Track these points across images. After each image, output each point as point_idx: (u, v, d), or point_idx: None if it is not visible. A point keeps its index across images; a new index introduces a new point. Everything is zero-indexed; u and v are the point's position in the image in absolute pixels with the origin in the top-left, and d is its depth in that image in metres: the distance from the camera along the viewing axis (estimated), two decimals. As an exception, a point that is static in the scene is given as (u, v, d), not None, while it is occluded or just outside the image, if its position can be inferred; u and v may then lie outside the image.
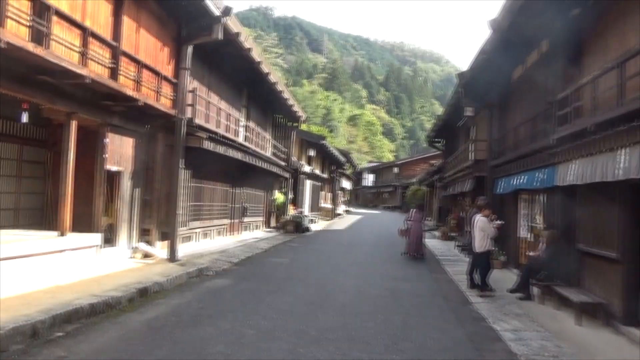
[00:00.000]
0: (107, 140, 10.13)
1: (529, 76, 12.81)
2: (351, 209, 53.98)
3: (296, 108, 22.31)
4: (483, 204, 10.72)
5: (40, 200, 11.66)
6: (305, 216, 25.00)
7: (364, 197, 77.60)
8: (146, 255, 11.46)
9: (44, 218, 11.55)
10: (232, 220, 17.96)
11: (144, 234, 11.97)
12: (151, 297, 8.48)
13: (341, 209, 45.31)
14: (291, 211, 24.95)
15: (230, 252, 14.53)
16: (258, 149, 18.11)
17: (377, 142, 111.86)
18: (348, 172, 52.95)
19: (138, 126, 11.50)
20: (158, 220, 12.05)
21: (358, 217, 41.72)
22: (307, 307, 8.44)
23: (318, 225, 29.45)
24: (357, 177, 69.94)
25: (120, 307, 7.58)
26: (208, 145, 12.47)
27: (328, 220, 35.23)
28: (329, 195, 43.98)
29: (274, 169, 20.63)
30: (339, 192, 43.66)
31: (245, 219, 19.54)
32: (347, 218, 39.72)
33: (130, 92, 9.59)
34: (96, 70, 8.70)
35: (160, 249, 12.05)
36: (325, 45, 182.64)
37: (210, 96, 14.38)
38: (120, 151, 10.89)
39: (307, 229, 23.96)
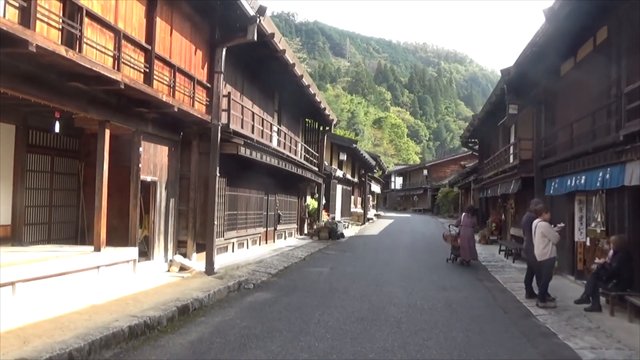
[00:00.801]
0: (141, 149, 9.66)
1: (583, 69, 12.01)
2: (381, 213, 53.22)
3: (328, 111, 21.73)
4: (542, 208, 9.94)
5: (74, 213, 11.26)
6: (339, 222, 24.36)
7: (392, 200, 76.72)
8: (182, 269, 10.96)
9: (77, 232, 11.15)
10: (267, 229, 17.43)
11: (180, 246, 11.49)
12: (192, 315, 7.94)
13: (371, 213, 44.57)
14: (324, 217, 24.34)
15: (267, 262, 13.98)
16: (291, 155, 17.56)
17: (402, 144, 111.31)
18: (377, 175, 52.22)
19: (172, 134, 11.03)
20: (194, 231, 11.56)
21: (389, 221, 40.95)
22: (360, 324, 7.80)
23: (350, 230, 28.79)
24: (385, 181, 69.03)
25: (161, 328, 7.05)
26: (244, 151, 11.94)
27: (359, 225, 34.55)
28: (359, 199, 43.31)
29: (308, 175, 20.05)
30: (369, 196, 42.92)
31: (279, 227, 19.00)
32: (379, 222, 38.98)
33: (164, 98, 9.10)
34: (130, 75, 8.22)
35: (196, 261, 11.55)
36: (347, 49, 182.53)
37: (244, 100, 13.88)
38: (154, 160, 10.42)
39: (342, 235, 23.32)
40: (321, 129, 24.40)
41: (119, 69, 7.77)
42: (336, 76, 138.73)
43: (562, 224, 10.33)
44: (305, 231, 23.67)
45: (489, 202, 26.99)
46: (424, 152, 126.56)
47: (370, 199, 45.25)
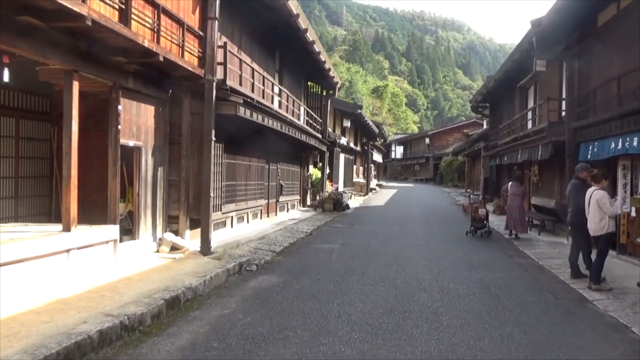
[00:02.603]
0: (120, 107, 8.05)
1: (629, 16, 10.40)
2: (383, 183, 51.72)
3: (332, 73, 20.02)
4: (600, 174, 8.40)
5: (46, 186, 9.71)
6: (344, 193, 22.84)
7: (393, 170, 75.20)
8: (174, 248, 9.48)
9: (50, 208, 9.62)
10: (268, 201, 15.91)
11: (171, 222, 9.98)
12: (183, 308, 6.47)
13: (374, 183, 43.05)
14: (328, 188, 22.82)
15: (270, 238, 12.50)
16: (295, 119, 15.93)
17: (401, 113, 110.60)
18: (378, 144, 50.57)
19: (159, 91, 9.42)
20: (187, 204, 10.03)
21: (393, 191, 39.45)
22: (390, 317, 6.33)
23: (354, 201, 27.27)
24: (385, 150, 67.36)
25: (143, 328, 5.57)
26: (243, 112, 10.34)
27: (362, 195, 33.07)
28: (361, 169, 41.75)
29: (312, 142, 18.44)
30: (372, 165, 41.35)
31: (282, 199, 17.48)
32: (382, 193, 37.48)
33: (146, 43, 7.45)
34: (100, 10, 6.55)
35: (190, 239, 10.06)
36: (344, 17, 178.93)
37: (242, 55, 12.18)
38: (137, 122, 8.83)
39: (347, 207, 21.83)
40: (324, 93, 22.71)
41: (84, 1, 6.11)
42: (333, 45, 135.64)
43: (625, 194, 8.80)
44: (309, 203, 22.18)
45: (501, 170, 25.49)
46: (422, 121, 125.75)
47: (372, 168, 43.67)
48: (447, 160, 50.52)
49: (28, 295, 5.91)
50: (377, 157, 49.01)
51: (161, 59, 7.84)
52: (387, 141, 61.98)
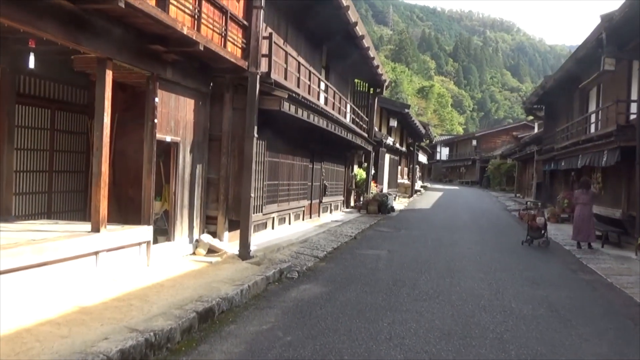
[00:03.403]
0: (157, 99, 7.50)
1: None
2: (428, 185, 50.50)
3: (381, 70, 19.24)
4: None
5: (82, 181, 9.27)
6: (389, 194, 22.01)
7: (438, 171, 73.64)
8: (211, 251, 8.91)
9: (86, 204, 9.17)
10: (311, 201, 15.26)
11: (209, 223, 9.42)
12: (218, 322, 5.85)
13: (418, 184, 41.94)
14: (373, 189, 22.03)
15: (312, 241, 11.84)
16: (341, 117, 15.22)
17: (446, 114, 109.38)
18: (424, 145, 49.35)
19: (199, 83, 8.87)
20: (225, 205, 9.44)
21: (438, 193, 38.30)
22: (449, 343, 5.54)
23: (398, 203, 26.39)
24: (431, 151, 65.93)
25: (172, 345, 4.96)
26: (288, 107, 9.69)
27: (407, 197, 32.13)
28: (406, 170, 40.73)
29: (357, 141, 17.69)
30: (417, 166, 40.27)
31: (325, 199, 16.81)
32: (428, 195, 36.41)
33: (185, 31, 6.87)
34: (135, -7, 5.99)
35: (228, 242, 9.49)
36: (390, 17, 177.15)
37: (287, 48, 11.54)
38: (175, 116, 8.28)
39: (392, 209, 21.02)
40: (371, 91, 21.92)
41: (117, -19, 5.55)
42: (379, 44, 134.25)
43: None
44: (352, 204, 21.46)
45: (555, 176, 24.20)
46: (467, 122, 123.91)
47: (417, 169, 42.58)
48: (495, 163, 48.95)
49: (49, 303, 5.38)
50: (422, 158, 47.85)
51: (201, 48, 7.25)
52: (433, 142, 60.56)
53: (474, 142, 59.47)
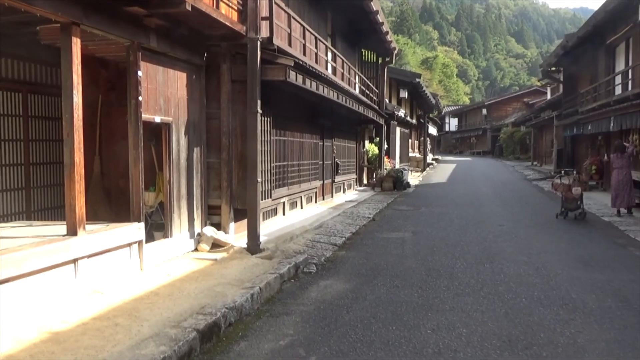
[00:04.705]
0: (140, 73, 6.33)
1: None
2: (439, 157, 49.14)
3: (390, 36, 17.91)
4: None
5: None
6: (404, 170, 20.81)
7: (447, 143, 72.15)
8: (216, 245, 7.81)
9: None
10: (323, 182, 14.11)
11: (211, 214, 8.29)
12: (224, 338, 4.76)
13: (430, 157, 40.63)
14: (387, 165, 20.82)
15: (328, 226, 10.74)
16: (351, 88, 13.97)
17: (452, 85, 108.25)
18: (433, 116, 47.90)
19: (191, 54, 7.67)
20: (229, 192, 8.29)
21: (452, 165, 36.99)
22: (514, 353, 4.42)
23: (412, 178, 25.14)
24: (440, 122, 64.47)
25: (165, 381, 3.87)
26: (294, 77, 8.49)
27: (420, 171, 30.90)
28: (416, 142, 39.42)
29: (369, 114, 16.46)
30: (427, 139, 38.90)
31: (337, 179, 15.65)
32: (441, 168, 35.14)
33: (168, -14, 5.69)
34: None
35: (234, 233, 8.37)
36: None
37: (290, 11, 10.26)
38: (165, 92, 7.11)
39: (408, 185, 19.83)
40: (380, 61, 20.61)
41: None
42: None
43: None
44: (365, 181, 20.30)
45: (578, 141, 22.90)
46: (473, 92, 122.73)
47: (429, 142, 41.23)
48: (507, 131, 47.52)
49: (10, 331, 4.29)
50: (432, 130, 46.44)
51: (189, 8, 6.03)
52: (442, 113, 59.00)
53: (484, 111, 57.85)
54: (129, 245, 6.12)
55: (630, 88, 14.30)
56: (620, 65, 16.77)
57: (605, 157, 18.09)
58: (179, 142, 7.41)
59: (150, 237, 7.32)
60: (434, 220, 12.01)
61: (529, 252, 8.65)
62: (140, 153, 6.32)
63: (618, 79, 15.66)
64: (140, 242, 6.28)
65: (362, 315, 5.47)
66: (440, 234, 10.35)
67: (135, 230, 6.19)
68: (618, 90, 15.32)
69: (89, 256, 5.41)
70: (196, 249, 7.67)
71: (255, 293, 5.72)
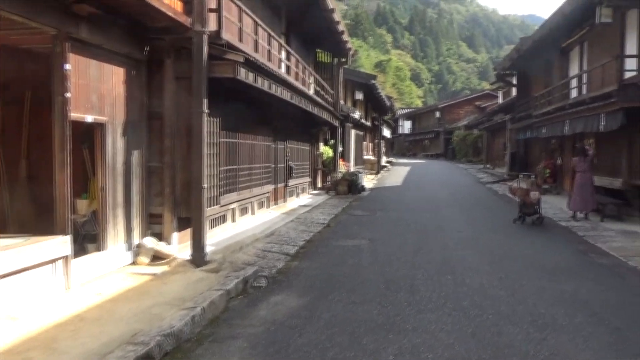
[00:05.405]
0: (67, 66, 5.61)
1: None
2: (393, 160, 49.10)
3: (346, 36, 17.45)
4: None
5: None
6: (359, 173, 20.40)
7: (400, 145, 72.43)
8: (157, 258, 7.12)
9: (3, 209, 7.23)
10: (276, 186, 13.51)
11: (153, 223, 7.59)
12: (158, 374, 4.13)
13: (384, 160, 40.49)
14: (342, 168, 20.38)
15: (281, 233, 10.17)
16: (305, 89, 13.42)
17: (405, 88, 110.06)
18: (387, 118, 47.85)
19: (130, 47, 6.97)
20: (172, 199, 7.62)
21: (406, 168, 36.82)
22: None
23: (366, 181, 24.77)
24: (393, 125, 64.65)
25: None
26: (245, 75, 7.88)
27: (374, 174, 30.56)
28: (371, 145, 39.22)
29: (324, 115, 15.96)
30: (382, 141, 38.73)
31: (291, 182, 15.07)
32: (395, 170, 34.94)
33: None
34: None
35: (178, 244, 7.71)
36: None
37: (241, 4, 9.63)
38: (99, 89, 6.39)
39: (363, 189, 19.42)
40: (335, 61, 20.14)
41: None
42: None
43: None
44: (320, 185, 19.78)
45: (531, 145, 23.03)
46: (426, 95, 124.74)
47: (383, 144, 41.09)
48: (460, 134, 47.90)
49: None
50: (387, 132, 46.42)
51: (124, -7, 5.37)
52: (396, 116, 59.09)
53: (437, 114, 58.25)
54: (53, 261, 5.40)
55: (585, 92, 14.25)
56: (574, 69, 16.80)
57: (559, 161, 18.19)
58: (115, 144, 6.70)
59: (82, 250, 6.61)
60: (391, 226, 11.58)
61: (491, 260, 8.30)
62: (67, 156, 5.61)
63: (573, 83, 15.62)
64: (66, 258, 5.55)
65: (316, 338, 4.92)
66: (398, 241, 9.91)
67: (60, 244, 5.47)
68: (574, 93, 15.30)
69: (3, 276, 4.67)
70: (134, 263, 6.96)
71: (197, 314, 5.10)
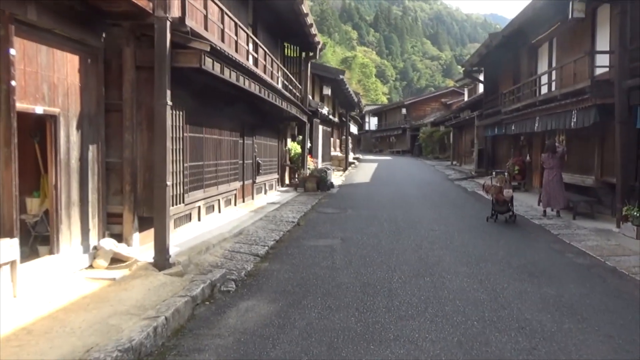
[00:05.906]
0: (12, 51, 5.04)
1: None
2: (360, 156, 48.90)
3: (314, 30, 17.00)
4: None
5: None
6: (328, 169, 20.03)
7: (367, 142, 72.38)
8: (117, 260, 6.58)
9: None
10: (244, 182, 13.01)
11: (112, 223, 7.04)
12: (114, 397, 3.66)
13: (351, 156, 40.21)
14: (310, 164, 19.97)
15: (249, 233, 9.71)
16: (274, 82, 12.95)
17: (371, 84, 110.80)
18: (354, 115, 47.61)
19: (85, 33, 6.40)
20: (133, 197, 7.08)
21: (373, 165, 36.61)
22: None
23: (334, 177, 24.44)
24: (360, 121, 64.49)
25: None
26: (211, 65, 7.37)
27: (341, 170, 30.27)
28: (338, 141, 38.97)
29: (292, 110, 15.50)
30: (349, 137, 38.44)
31: (258, 179, 14.59)
32: (363, 167, 34.68)
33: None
34: None
35: (139, 245, 7.18)
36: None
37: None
38: (50, 78, 5.82)
39: (332, 185, 19.08)
40: (303, 55, 19.69)
41: None
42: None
43: None
44: (288, 181, 19.32)
45: (499, 142, 23.02)
46: (391, 92, 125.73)
47: (350, 141, 40.81)
48: (426, 131, 47.97)
49: None
50: (354, 128, 46.22)
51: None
52: (363, 112, 58.92)
53: (404, 111, 58.25)
54: (-4, 268, 4.84)
55: (555, 88, 14.15)
56: (543, 66, 16.74)
57: (528, 158, 18.14)
58: (69, 138, 6.14)
59: (34, 253, 6.05)
60: (362, 225, 11.22)
61: (468, 261, 8.01)
62: (12, 151, 5.04)
63: (544, 79, 15.53)
64: (13, 263, 4.99)
65: (291, 350, 4.51)
66: (372, 240, 9.56)
67: (6, 248, 4.91)
68: (544, 90, 15.20)
69: None
70: (91, 266, 6.41)
71: (159, 325, 4.63)
